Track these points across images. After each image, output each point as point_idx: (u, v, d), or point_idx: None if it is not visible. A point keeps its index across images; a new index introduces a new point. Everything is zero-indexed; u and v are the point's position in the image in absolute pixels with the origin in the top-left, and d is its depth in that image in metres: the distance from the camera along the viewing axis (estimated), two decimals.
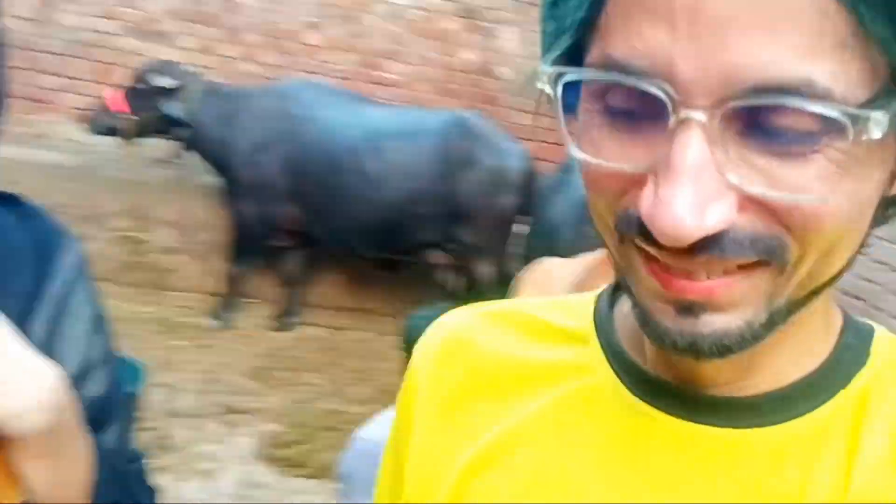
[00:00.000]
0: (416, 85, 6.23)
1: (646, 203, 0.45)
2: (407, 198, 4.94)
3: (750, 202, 0.45)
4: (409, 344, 2.27)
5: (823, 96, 0.42)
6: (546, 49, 0.51)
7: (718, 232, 0.45)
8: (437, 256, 5.32)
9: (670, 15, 0.44)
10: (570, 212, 3.97)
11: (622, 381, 0.58)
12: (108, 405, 0.89)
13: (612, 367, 0.59)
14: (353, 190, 4.93)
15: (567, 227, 3.92)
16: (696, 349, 0.48)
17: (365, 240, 5.10)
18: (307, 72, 5.85)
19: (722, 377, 0.54)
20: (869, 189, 0.47)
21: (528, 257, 4.98)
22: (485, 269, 5.14)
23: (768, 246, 0.46)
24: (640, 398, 0.56)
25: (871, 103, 0.43)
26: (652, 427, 0.55)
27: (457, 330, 0.68)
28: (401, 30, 6.22)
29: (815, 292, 0.51)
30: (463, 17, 6.33)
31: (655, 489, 0.54)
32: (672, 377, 0.56)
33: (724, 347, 0.48)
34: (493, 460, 0.61)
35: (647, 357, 0.57)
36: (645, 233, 0.46)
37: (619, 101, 0.47)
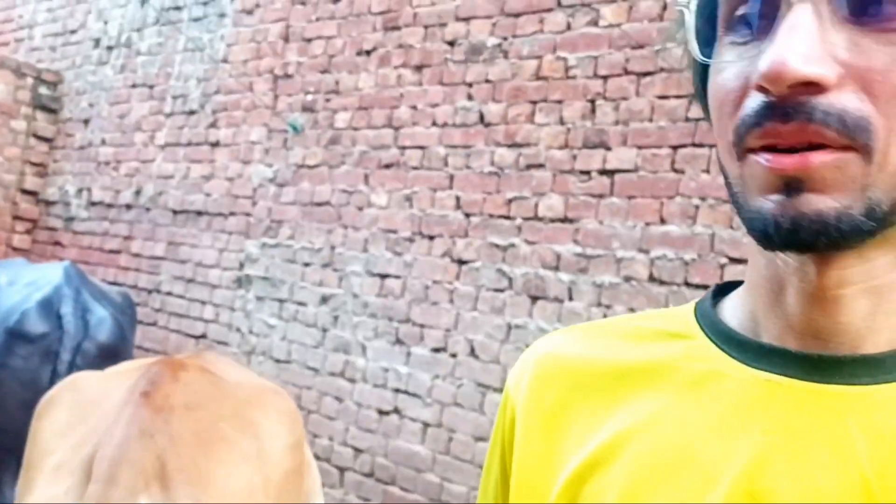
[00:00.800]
0: None
1: (759, 62, 0.51)
2: None
3: (848, 80, 0.50)
4: None
5: None
6: None
7: (811, 99, 0.50)
8: None
9: None
10: None
11: (738, 359, 0.59)
12: None
13: (724, 351, 0.60)
14: None
15: None
16: (797, 228, 0.51)
17: None
18: None
19: (841, 335, 0.56)
20: None
21: None
22: None
23: (855, 123, 0.50)
24: (762, 369, 0.57)
25: None
26: (777, 392, 0.56)
27: (552, 347, 0.68)
28: None
29: None
30: None
31: (787, 449, 0.55)
32: (792, 344, 0.57)
33: (823, 228, 0.51)
34: (605, 461, 0.60)
35: (763, 336, 0.59)
36: (755, 116, 0.52)
37: (743, 5, 0.54)
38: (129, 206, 5.59)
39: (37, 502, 1.66)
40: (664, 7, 3.39)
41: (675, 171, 3.28)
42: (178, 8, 5.55)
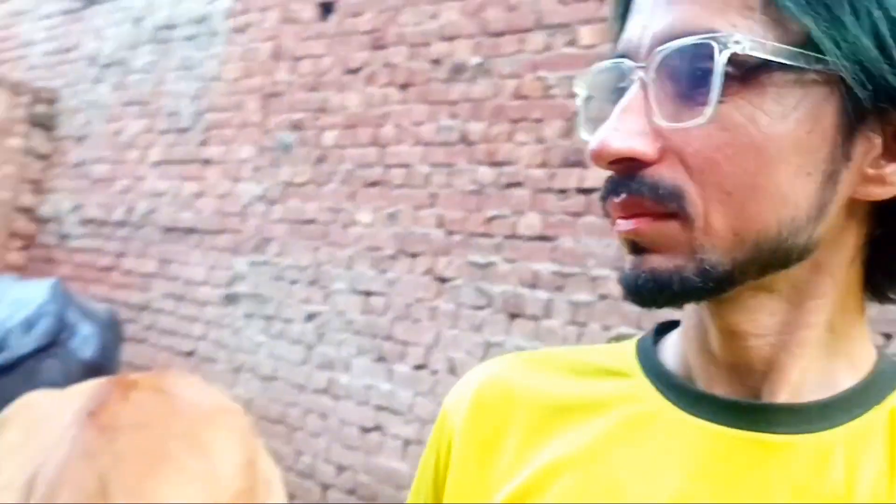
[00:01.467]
0: None
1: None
2: None
3: (669, 153, 0.55)
4: None
5: (722, 40, 0.53)
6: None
7: (636, 173, 0.55)
8: None
9: (641, 6, 0.59)
10: None
11: (673, 403, 0.61)
12: None
13: (661, 393, 0.62)
14: None
15: None
16: (638, 284, 0.56)
17: None
18: None
19: (763, 383, 0.59)
20: (783, 142, 0.54)
21: None
22: None
23: (667, 192, 0.54)
24: (693, 414, 0.59)
25: (776, 52, 0.53)
26: (705, 438, 0.58)
27: (494, 374, 0.70)
28: None
29: (768, 261, 0.55)
30: None
31: (709, 495, 0.57)
32: (721, 389, 0.60)
33: (656, 284, 0.55)
34: (535, 492, 0.62)
35: (695, 380, 0.61)
36: (604, 190, 0.58)
37: (617, 84, 0.59)
38: (121, 224, 5.63)
39: None
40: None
41: None
42: (171, 27, 5.60)
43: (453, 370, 3.72)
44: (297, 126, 4.66)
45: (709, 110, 0.53)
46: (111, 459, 1.68)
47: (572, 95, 3.51)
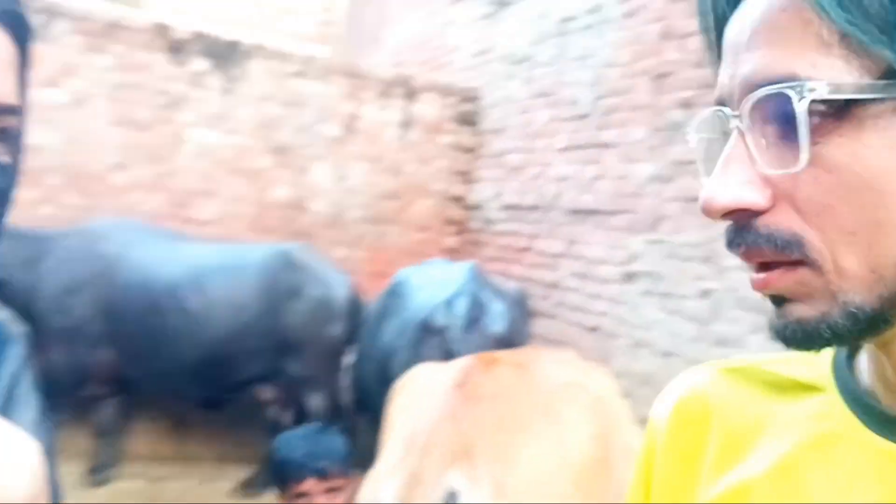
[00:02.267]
0: (228, 222, 5.98)
1: None
2: (232, 333, 4.72)
3: (781, 200, 0.55)
4: (278, 470, 2.21)
5: (798, 88, 0.53)
6: None
7: (752, 222, 0.56)
8: (264, 391, 5.00)
9: (728, 55, 0.60)
10: (401, 335, 4.00)
11: (863, 422, 0.60)
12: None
13: (851, 410, 0.62)
14: (174, 329, 4.66)
15: (401, 349, 3.91)
16: (792, 334, 0.57)
17: (189, 380, 4.81)
18: (114, 213, 5.42)
19: None
20: (887, 175, 0.52)
21: (359, 387, 4.47)
22: (315, 401, 4.94)
23: (784, 242, 0.55)
24: (882, 436, 0.59)
25: (859, 89, 0.52)
26: (894, 462, 0.58)
27: (694, 387, 0.72)
28: (211, 168, 5.94)
29: None
30: (274, 153, 6.19)
31: None
32: None
33: (805, 333, 0.56)
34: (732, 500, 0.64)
35: (880, 398, 0.61)
36: (727, 242, 0.59)
37: (716, 131, 0.61)
38: (534, 208, 6.09)
39: (379, 467, 2.05)
40: None
41: None
42: (569, 19, 5.91)
43: None
44: (686, 104, 4.68)
45: (804, 156, 0.53)
46: (472, 422, 1.97)
47: None
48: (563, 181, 5.77)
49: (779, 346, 0.60)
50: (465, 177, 7.16)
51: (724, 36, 0.61)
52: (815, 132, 0.53)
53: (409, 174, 7.10)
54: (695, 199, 3.63)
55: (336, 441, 2.35)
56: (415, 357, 4.33)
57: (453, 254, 6.83)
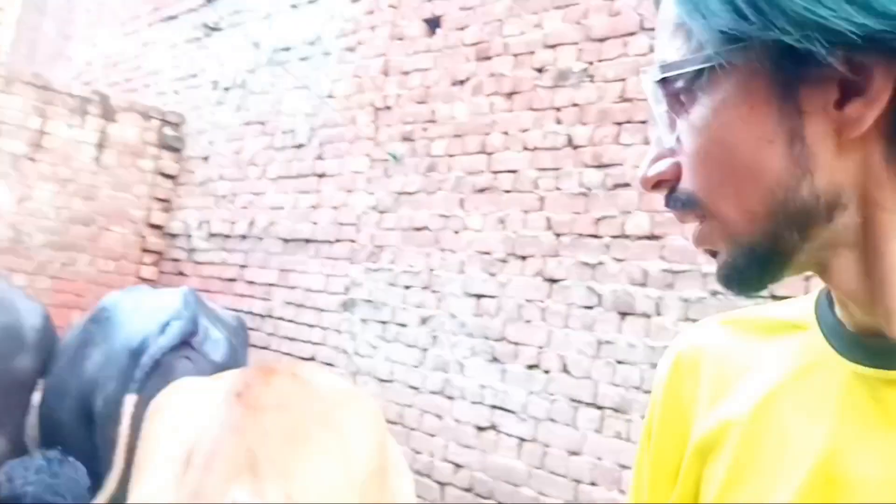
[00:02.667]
0: None
1: None
2: None
3: (680, 167, 0.64)
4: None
5: (648, 72, 0.64)
6: None
7: (669, 193, 0.64)
8: None
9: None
10: (108, 365, 3.85)
11: (834, 348, 0.66)
12: None
13: (828, 342, 0.67)
14: None
15: (109, 381, 3.77)
16: (720, 281, 0.65)
17: None
18: None
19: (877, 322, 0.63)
20: (737, 126, 0.60)
21: (49, 424, 4.27)
22: None
23: (688, 199, 0.63)
24: (849, 359, 0.64)
25: (681, 63, 0.62)
26: (857, 383, 0.63)
27: (692, 340, 0.78)
28: None
29: (795, 220, 0.61)
30: None
31: (861, 437, 0.62)
32: (864, 333, 0.65)
33: (728, 277, 0.64)
34: (721, 440, 0.69)
35: (848, 322, 0.66)
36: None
37: None
38: (244, 237, 5.93)
39: (146, 489, 1.86)
40: None
41: None
42: (286, 49, 5.89)
43: (566, 369, 3.80)
44: (407, 138, 4.84)
45: (693, 116, 0.62)
46: (258, 435, 1.86)
47: None
48: (277, 210, 5.69)
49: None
50: (167, 204, 6.81)
51: None
52: (675, 107, 0.63)
53: (105, 199, 6.61)
54: (415, 229, 3.79)
55: (78, 472, 2.10)
56: (125, 388, 4.00)
57: (151, 285, 6.43)
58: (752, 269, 0.63)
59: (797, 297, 0.74)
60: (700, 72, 0.60)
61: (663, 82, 0.63)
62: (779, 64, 0.58)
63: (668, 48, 0.63)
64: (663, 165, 0.64)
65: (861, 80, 0.57)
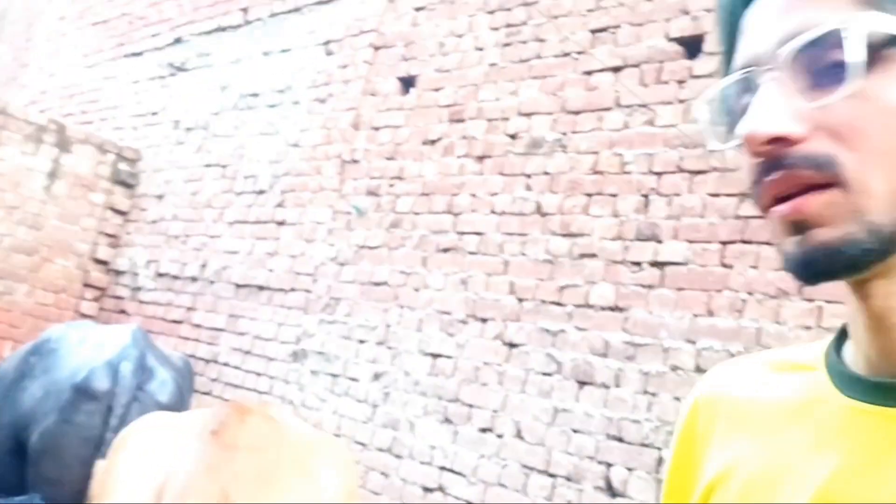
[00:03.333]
0: None
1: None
2: None
3: (819, 132, 0.60)
4: None
5: (830, 29, 0.61)
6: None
7: (787, 150, 0.60)
8: None
9: (755, 26, 0.66)
10: (47, 399, 3.72)
11: (839, 388, 0.67)
12: None
13: (833, 382, 0.68)
14: None
15: (47, 415, 3.65)
16: (812, 260, 0.61)
17: None
18: None
19: None
20: None
21: None
22: None
23: (825, 161, 0.60)
24: (850, 396, 0.65)
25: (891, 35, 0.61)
26: (859, 418, 0.64)
27: (713, 379, 0.79)
28: None
29: None
30: None
31: (861, 471, 0.62)
32: (871, 372, 0.65)
33: (827, 256, 0.60)
34: (728, 476, 0.70)
35: (862, 365, 0.67)
36: (754, 177, 0.63)
37: (740, 99, 0.65)
38: (193, 279, 5.82)
39: None
40: None
41: (724, 265, 3.38)
42: (255, 95, 5.88)
43: (519, 434, 3.78)
44: (372, 192, 4.85)
45: (854, 83, 0.59)
46: (232, 475, 1.79)
47: (649, 172, 3.65)
48: (231, 254, 5.61)
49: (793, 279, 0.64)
50: (114, 240, 6.67)
51: (748, 15, 0.68)
52: (864, 70, 0.60)
53: (51, 229, 6.45)
54: (373, 283, 3.79)
55: None
56: (65, 424, 3.85)
57: (90, 321, 6.25)
58: (865, 251, 0.60)
59: (810, 343, 0.76)
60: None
61: (827, 44, 0.60)
62: None
63: (851, 15, 0.61)
64: (792, 123, 0.61)
65: None
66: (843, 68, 0.60)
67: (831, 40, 0.61)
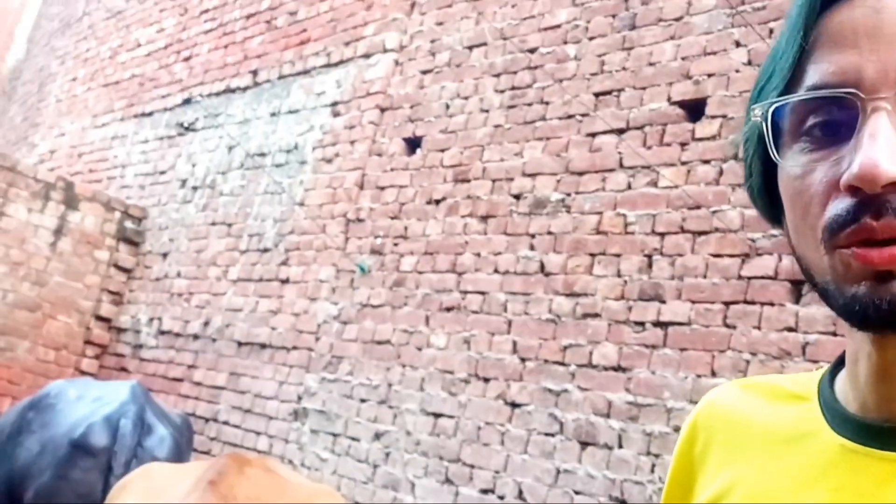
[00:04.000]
0: None
1: (850, 164, 0.58)
2: None
3: None
4: None
5: None
6: (755, 100, 0.67)
7: (889, 197, 0.57)
8: None
9: (855, 42, 0.61)
10: (44, 454, 3.73)
11: (829, 423, 0.67)
12: None
13: (824, 415, 0.68)
14: None
15: (44, 471, 3.67)
16: (880, 308, 0.58)
17: None
18: None
19: None
20: None
21: None
22: None
23: None
24: (841, 434, 0.65)
25: None
26: (849, 457, 0.64)
27: (712, 399, 0.79)
28: None
29: None
30: None
31: None
32: (867, 413, 0.65)
33: None
34: (722, 500, 0.71)
35: (848, 403, 0.67)
36: (849, 215, 0.58)
37: (819, 116, 0.61)
38: (195, 337, 5.81)
39: None
40: (720, 172, 3.58)
41: (727, 325, 3.37)
42: (262, 154, 5.95)
43: (521, 495, 3.73)
44: (376, 251, 4.86)
45: None
46: None
47: (652, 232, 3.67)
48: (235, 312, 5.60)
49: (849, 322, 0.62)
50: (118, 297, 6.67)
51: (833, 21, 0.63)
52: None
53: (54, 286, 6.46)
54: (376, 342, 3.77)
55: None
56: (62, 480, 3.81)
57: (90, 378, 6.22)
58: None
59: (804, 373, 0.77)
60: None
61: None
62: None
63: None
64: None
65: None
66: None
67: None
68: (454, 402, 4.17)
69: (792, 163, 0.63)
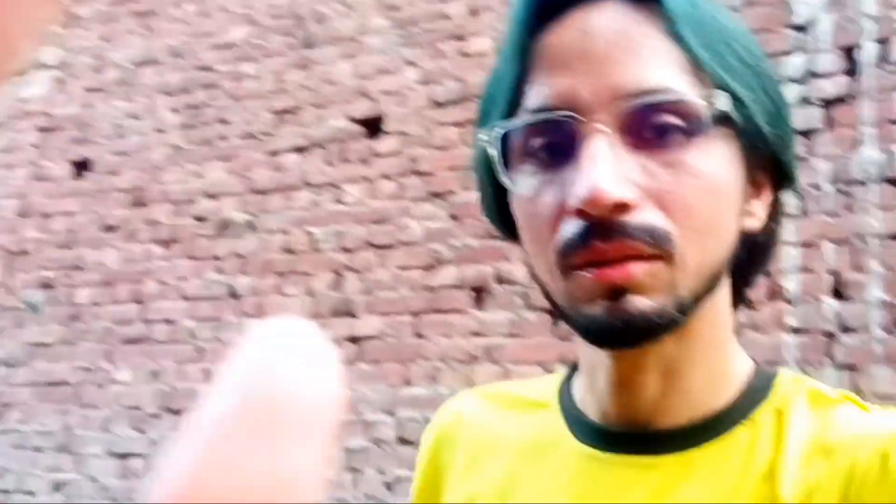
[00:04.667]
0: None
1: (572, 190, 0.58)
2: None
3: (646, 200, 0.59)
4: None
5: (678, 96, 0.60)
6: (482, 124, 0.67)
7: (623, 218, 0.58)
8: None
9: (568, 64, 0.61)
10: None
11: (571, 431, 0.68)
12: None
13: (565, 422, 0.69)
14: None
15: None
16: (627, 327, 0.59)
17: None
18: None
19: (640, 413, 0.65)
20: (725, 186, 0.62)
21: None
22: None
23: (660, 236, 0.59)
24: (584, 442, 0.67)
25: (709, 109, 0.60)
26: (591, 464, 0.66)
27: (453, 411, 0.78)
28: None
29: (707, 289, 0.62)
30: None
31: None
32: (605, 420, 0.67)
33: (639, 324, 0.59)
34: None
35: (595, 412, 0.68)
36: (578, 238, 0.59)
37: (542, 138, 0.62)
38: None
39: None
40: (401, 187, 3.70)
41: (418, 335, 3.49)
42: None
43: None
44: (46, 285, 4.46)
45: (689, 158, 0.60)
46: None
47: (340, 249, 3.70)
48: None
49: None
50: None
51: (547, 43, 0.63)
52: (685, 140, 0.60)
53: None
54: (51, 384, 3.49)
55: None
56: None
57: None
58: (669, 322, 0.60)
59: (540, 377, 0.79)
60: (719, 121, 0.60)
61: (664, 108, 0.60)
62: (746, 147, 0.62)
63: (676, 78, 0.60)
64: (630, 190, 0.58)
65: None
66: (679, 136, 0.60)
67: (672, 107, 0.60)
68: (144, 439, 3.92)
69: (521, 185, 0.63)
